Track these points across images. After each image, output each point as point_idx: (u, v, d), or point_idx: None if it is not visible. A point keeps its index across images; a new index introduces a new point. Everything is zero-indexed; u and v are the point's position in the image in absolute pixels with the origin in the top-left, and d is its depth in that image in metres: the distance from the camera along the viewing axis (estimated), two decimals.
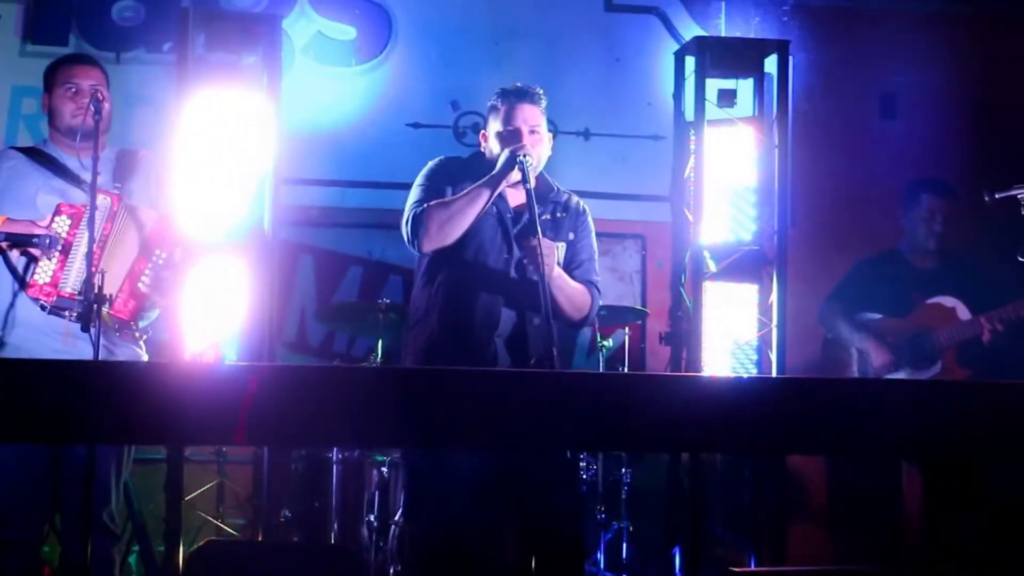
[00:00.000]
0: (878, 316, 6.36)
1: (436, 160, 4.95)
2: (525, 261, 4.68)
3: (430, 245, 4.66)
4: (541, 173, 4.87)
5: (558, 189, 4.95)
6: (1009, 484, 4.66)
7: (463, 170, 4.86)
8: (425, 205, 4.68)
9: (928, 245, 6.44)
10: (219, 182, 6.50)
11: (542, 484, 4.57)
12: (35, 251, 4.79)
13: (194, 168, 6.35)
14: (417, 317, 4.82)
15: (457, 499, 4.60)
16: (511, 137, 4.74)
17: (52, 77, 5.15)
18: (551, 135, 4.94)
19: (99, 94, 4.90)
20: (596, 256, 4.98)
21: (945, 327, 6.24)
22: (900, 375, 6.25)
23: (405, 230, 4.72)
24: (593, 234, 4.98)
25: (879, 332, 6.32)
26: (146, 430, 3.11)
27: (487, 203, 4.65)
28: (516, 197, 4.74)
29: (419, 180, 4.86)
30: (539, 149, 4.77)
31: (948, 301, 6.29)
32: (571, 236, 4.88)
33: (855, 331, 6.36)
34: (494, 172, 4.67)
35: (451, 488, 4.59)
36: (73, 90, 5.07)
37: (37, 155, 5.10)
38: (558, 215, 4.87)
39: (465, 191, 4.68)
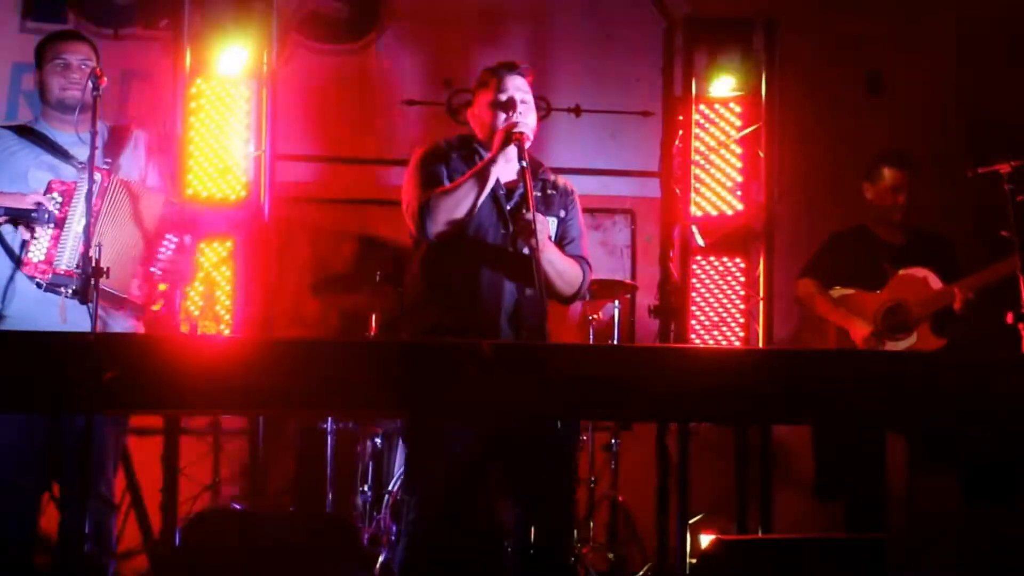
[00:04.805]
0: (852, 291, 6.41)
1: (425, 147, 4.93)
2: (513, 232, 4.71)
3: (439, 233, 4.66)
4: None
5: (544, 167, 4.99)
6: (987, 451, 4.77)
7: (454, 152, 4.88)
8: (430, 194, 4.69)
9: (893, 217, 6.49)
10: (215, 159, 6.60)
11: (535, 453, 4.62)
12: (33, 224, 4.80)
13: (191, 145, 6.44)
14: (420, 301, 4.84)
15: (454, 468, 4.66)
16: (506, 104, 4.77)
17: (42, 53, 5.16)
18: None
19: (95, 70, 4.91)
20: (585, 234, 5.02)
21: (918, 297, 6.29)
22: (879, 348, 6.31)
23: (412, 220, 4.71)
24: (581, 213, 5.02)
25: (855, 307, 6.38)
26: (143, 400, 3.17)
27: (489, 185, 4.69)
28: (507, 174, 4.76)
29: (413, 169, 4.85)
30: (531, 119, 4.80)
31: (919, 272, 6.33)
32: (562, 213, 4.91)
33: (833, 309, 6.41)
34: (492, 154, 4.69)
35: (449, 457, 4.64)
36: (62, 64, 5.09)
37: (27, 132, 5.11)
38: (548, 192, 4.90)
39: (465, 176, 4.69)
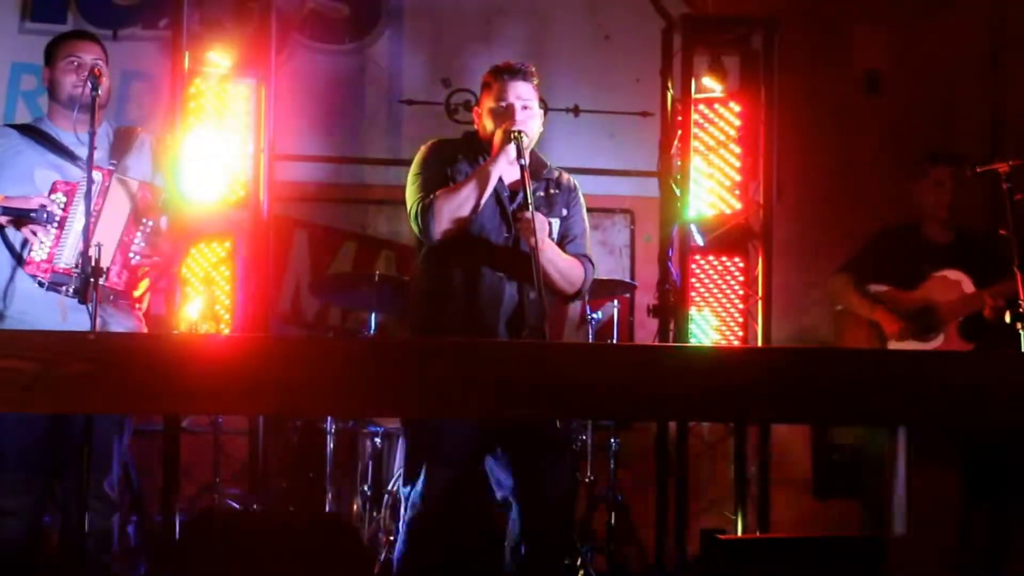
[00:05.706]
0: (885, 288, 6.39)
1: (428, 145, 4.92)
2: (514, 233, 4.71)
3: (442, 234, 4.66)
4: (533, 150, 4.88)
5: (550, 166, 4.97)
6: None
7: (458, 152, 4.87)
8: (432, 196, 4.68)
9: (939, 215, 6.46)
10: (214, 158, 6.60)
11: (534, 453, 4.63)
12: (34, 226, 4.80)
13: (190, 144, 6.44)
14: (420, 300, 4.85)
15: (452, 465, 4.66)
16: (504, 113, 4.75)
17: (54, 51, 5.16)
18: (542, 112, 4.95)
19: (96, 69, 4.91)
20: (588, 231, 5.01)
21: (949, 300, 6.27)
22: (907, 345, 6.29)
23: (415, 223, 4.70)
24: (584, 210, 5.00)
25: (888, 305, 6.35)
26: (144, 400, 3.16)
27: (491, 185, 4.68)
28: (511, 175, 4.74)
29: (416, 169, 4.83)
30: (531, 125, 4.77)
31: (953, 274, 6.30)
32: (564, 212, 4.89)
33: (866, 302, 6.39)
34: (494, 156, 4.68)
35: (447, 454, 4.64)
36: (75, 63, 5.08)
37: (31, 132, 5.10)
38: (551, 191, 4.87)
39: (468, 178, 4.69)
